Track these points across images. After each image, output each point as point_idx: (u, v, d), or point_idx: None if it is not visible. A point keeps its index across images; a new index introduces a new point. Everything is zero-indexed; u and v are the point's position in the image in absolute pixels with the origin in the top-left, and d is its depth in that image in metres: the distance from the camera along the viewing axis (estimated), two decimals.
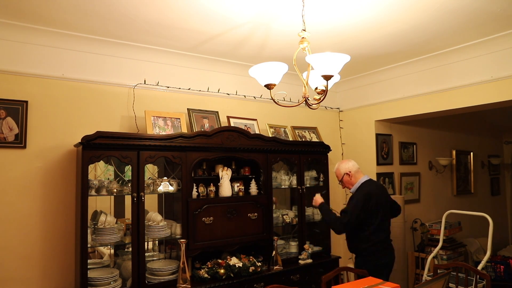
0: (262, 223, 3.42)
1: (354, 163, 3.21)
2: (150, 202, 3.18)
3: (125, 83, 3.34)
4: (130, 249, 2.89)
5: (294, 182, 3.80)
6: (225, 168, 3.38)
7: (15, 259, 2.80)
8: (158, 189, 3.07)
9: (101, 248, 3.17)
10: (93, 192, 2.81)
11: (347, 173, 3.14)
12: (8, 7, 2.57)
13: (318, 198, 3.26)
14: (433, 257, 4.02)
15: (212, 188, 3.28)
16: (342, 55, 1.98)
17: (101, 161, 2.85)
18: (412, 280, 4.55)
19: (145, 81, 3.41)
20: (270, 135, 3.84)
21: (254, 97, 4.05)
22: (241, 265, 3.15)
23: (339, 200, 4.75)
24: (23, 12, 2.65)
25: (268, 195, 3.51)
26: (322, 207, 3.17)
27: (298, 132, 4.23)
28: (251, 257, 3.31)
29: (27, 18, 2.75)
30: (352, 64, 3.86)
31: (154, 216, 3.10)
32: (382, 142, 4.61)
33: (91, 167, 2.81)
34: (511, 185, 6.88)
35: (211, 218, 3.15)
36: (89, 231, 2.74)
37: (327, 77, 2.05)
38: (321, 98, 2.25)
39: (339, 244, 4.41)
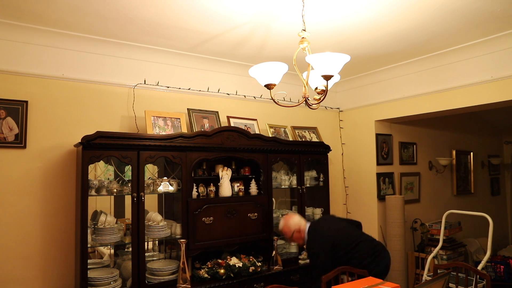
0: (262, 223, 3.42)
1: (299, 216, 3.11)
2: (150, 202, 3.18)
3: (125, 83, 3.34)
4: (130, 249, 2.89)
5: (294, 182, 3.80)
6: (225, 168, 3.38)
7: (15, 259, 2.80)
8: (158, 189, 3.07)
9: (101, 248, 3.17)
10: (93, 192, 2.81)
11: (297, 230, 2.98)
12: (8, 7, 2.57)
13: None
14: (433, 257, 4.02)
15: (212, 188, 3.28)
16: (342, 55, 1.98)
17: (101, 161, 2.86)
18: (412, 280, 4.55)
19: (145, 81, 3.41)
20: (270, 135, 3.84)
21: (254, 97, 4.05)
22: (241, 265, 3.15)
23: (339, 199, 4.76)
24: (23, 12, 2.65)
25: (268, 195, 3.51)
26: None
27: (298, 132, 4.23)
28: (251, 257, 3.31)
29: (27, 18, 2.75)
30: (352, 64, 3.86)
31: (154, 216, 3.10)
32: (382, 142, 4.61)
33: (91, 167, 2.81)
34: (511, 185, 6.88)
35: (211, 218, 3.15)
36: (89, 231, 2.74)
37: (327, 77, 2.05)
38: (321, 98, 2.25)
39: None
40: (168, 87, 3.54)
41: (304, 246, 3.06)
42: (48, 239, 2.93)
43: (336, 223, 3.01)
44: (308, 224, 3.01)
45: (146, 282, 2.88)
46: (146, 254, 3.01)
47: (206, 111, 3.62)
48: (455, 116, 5.14)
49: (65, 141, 3.04)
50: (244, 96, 4.00)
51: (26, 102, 2.89)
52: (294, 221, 3.03)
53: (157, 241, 3.37)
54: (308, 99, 2.27)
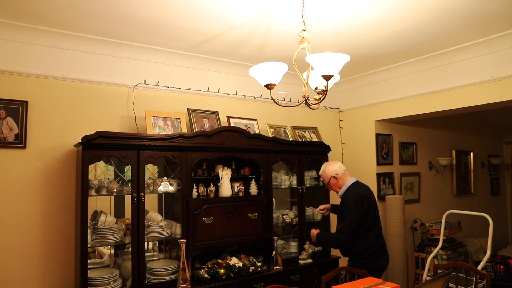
0: (262, 223, 3.42)
1: (340, 164, 3.16)
2: (150, 202, 3.18)
3: (125, 83, 3.34)
4: (130, 249, 2.89)
5: (294, 182, 3.80)
6: (225, 168, 3.38)
7: (15, 259, 2.80)
8: (158, 189, 3.07)
9: (101, 248, 3.17)
10: (93, 192, 2.81)
11: (334, 176, 3.08)
12: (8, 7, 2.57)
13: (313, 231, 3.15)
14: (433, 257, 4.02)
15: (212, 188, 3.28)
16: (342, 55, 1.98)
17: (101, 161, 2.85)
18: (412, 280, 4.55)
19: (145, 81, 3.41)
20: (270, 135, 3.84)
21: (254, 97, 4.05)
22: (241, 265, 3.15)
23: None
24: (23, 12, 2.65)
25: (268, 195, 3.51)
26: (319, 237, 3.08)
27: (298, 132, 4.23)
28: (251, 257, 3.31)
29: (27, 18, 2.75)
30: (352, 64, 3.86)
31: (154, 216, 3.10)
32: (382, 142, 4.61)
33: (91, 167, 2.81)
34: (511, 185, 6.88)
35: (211, 218, 3.15)
36: (89, 231, 2.74)
37: (327, 77, 2.05)
38: (321, 98, 2.25)
39: None
40: (168, 87, 3.54)
41: (338, 195, 3.13)
42: (48, 239, 2.94)
43: (375, 206, 3.06)
44: (353, 179, 3.08)
45: (146, 282, 2.88)
46: (146, 254, 3.01)
47: (206, 111, 3.62)
48: (455, 116, 5.14)
49: (65, 141, 3.04)
50: (244, 96, 4.00)
51: (26, 102, 2.89)
52: (332, 168, 3.11)
53: (157, 241, 3.37)
54: (308, 99, 2.27)
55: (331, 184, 3.12)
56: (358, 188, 3.01)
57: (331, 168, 3.12)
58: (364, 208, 2.89)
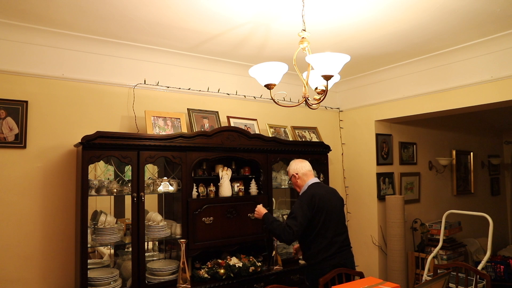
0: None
1: (305, 164, 2.94)
2: (150, 202, 3.18)
3: (125, 83, 3.34)
4: (130, 249, 2.89)
5: None
6: (225, 168, 3.38)
7: (15, 259, 2.80)
8: (158, 189, 3.07)
9: (101, 248, 3.17)
10: (93, 192, 2.81)
11: (293, 175, 2.91)
12: (8, 7, 2.57)
13: (261, 209, 2.92)
14: (433, 257, 4.02)
15: (212, 188, 3.28)
16: (342, 55, 1.98)
17: (101, 161, 2.86)
18: (412, 280, 4.55)
19: (145, 81, 3.41)
20: (270, 135, 3.84)
21: (254, 97, 4.05)
22: (241, 265, 3.15)
23: None
24: (23, 12, 2.65)
25: (268, 195, 3.51)
26: (266, 217, 2.85)
27: (298, 132, 4.23)
28: (251, 257, 3.31)
29: (27, 18, 2.75)
30: (352, 64, 3.86)
31: (154, 216, 3.10)
32: (382, 142, 4.61)
33: (91, 167, 2.81)
34: (511, 185, 6.88)
35: (211, 218, 3.15)
36: (89, 231, 2.74)
37: (327, 77, 2.05)
38: (321, 98, 2.25)
39: None
40: (168, 87, 3.54)
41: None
42: (48, 239, 2.93)
43: (335, 197, 2.88)
44: (314, 179, 2.88)
45: (146, 282, 2.88)
46: (146, 254, 3.01)
47: (206, 111, 3.62)
48: (455, 116, 5.13)
49: (65, 141, 3.04)
50: (244, 96, 4.00)
51: (26, 102, 2.89)
52: (294, 166, 2.94)
53: (157, 241, 3.37)
54: (308, 99, 2.27)
55: (292, 182, 2.97)
56: (316, 188, 2.79)
57: (294, 166, 2.94)
58: (315, 208, 2.66)
